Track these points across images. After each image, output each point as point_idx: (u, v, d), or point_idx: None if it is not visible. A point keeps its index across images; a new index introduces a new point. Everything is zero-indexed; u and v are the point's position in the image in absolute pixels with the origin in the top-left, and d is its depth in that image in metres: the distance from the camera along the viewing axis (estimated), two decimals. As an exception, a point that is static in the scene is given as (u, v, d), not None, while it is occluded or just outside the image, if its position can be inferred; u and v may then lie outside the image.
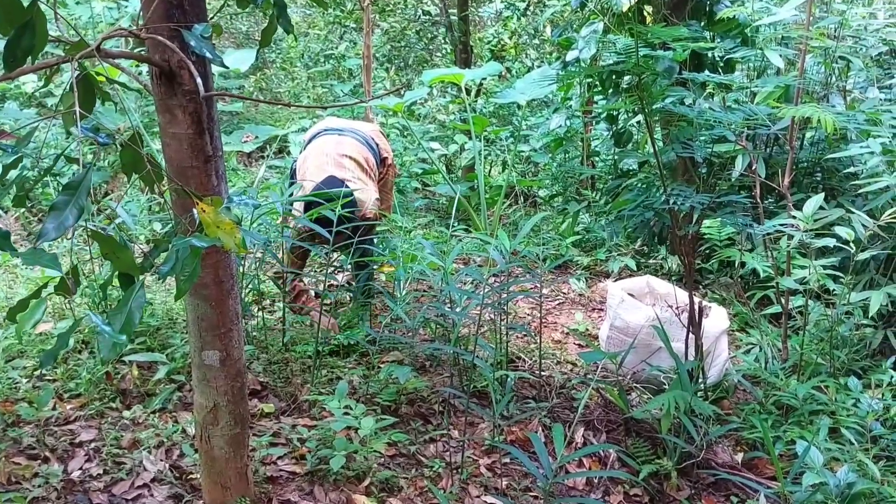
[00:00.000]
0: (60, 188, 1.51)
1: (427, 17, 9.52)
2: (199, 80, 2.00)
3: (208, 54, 1.99)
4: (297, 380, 3.42)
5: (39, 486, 2.59)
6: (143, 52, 2.15)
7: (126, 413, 3.03)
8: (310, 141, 4.30)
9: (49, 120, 2.10)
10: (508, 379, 3.35)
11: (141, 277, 1.56)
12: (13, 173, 1.96)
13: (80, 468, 2.72)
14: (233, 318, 2.39)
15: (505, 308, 3.73)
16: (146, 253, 1.63)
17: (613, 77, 5.66)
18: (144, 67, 5.21)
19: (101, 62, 1.89)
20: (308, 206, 3.78)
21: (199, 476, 2.62)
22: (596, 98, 6.63)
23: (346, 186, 3.87)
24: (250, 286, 3.86)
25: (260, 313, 3.78)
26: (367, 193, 4.00)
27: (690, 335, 3.49)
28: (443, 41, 9.69)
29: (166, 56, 2.04)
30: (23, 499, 2.50)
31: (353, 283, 4.18)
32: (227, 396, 2.40)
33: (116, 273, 1.60)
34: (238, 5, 2.21)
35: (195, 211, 1.73)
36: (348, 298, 4.31)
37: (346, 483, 2.79)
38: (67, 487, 2.62)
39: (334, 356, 3.66)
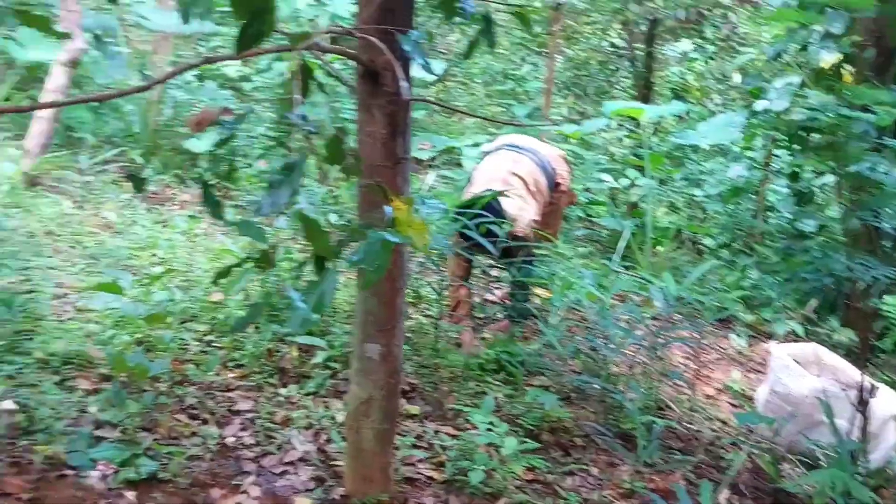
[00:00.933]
0: (274, 169, 1.59)
1: (613, 49, 9.45)
2: (403, 84, 2.07)
3: (421, 61, 2.05)
4: (444, 387, 3.45)
5: (196, 446, 2.74)
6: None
7: (282, 390, 3.16)
8: (490, 153, 4.35)
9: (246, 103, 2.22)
10: (655, 425, 3.25)
11: (334, 262, 1.62)
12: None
13: (235, 435, 2.85)
14: (398, 315, 2.45)
15: (660, 353, 3.62)
16: (339, 240, 1.69)
17: (803, 133, 5.42)
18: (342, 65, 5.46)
19: (314, 55, 1.99)
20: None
21: (342, 463, 2.69)
22: (776, 152, 6.37)
23: (500, 201, 3.85)
24: (410, 288, 3.93)
25: (416, 316, 3.84)
26: (524, 212, 3.99)
27: (857, 414, 3.26)
28: (624, 75, 9.59)
29: (373, 57, 2.13)
30: (181, 454, 2.65)
31: (509, 302, 4.17)
32: (382, 391, 2.45)
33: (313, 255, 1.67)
34: (445, 18, 2.26)
35: (387, 208, 1.79)
36: (500, 316, 4.31)
37: (481, 498, 2.78)
38: (221, 451, 2.76)
39: (483, 370, 3.67)
